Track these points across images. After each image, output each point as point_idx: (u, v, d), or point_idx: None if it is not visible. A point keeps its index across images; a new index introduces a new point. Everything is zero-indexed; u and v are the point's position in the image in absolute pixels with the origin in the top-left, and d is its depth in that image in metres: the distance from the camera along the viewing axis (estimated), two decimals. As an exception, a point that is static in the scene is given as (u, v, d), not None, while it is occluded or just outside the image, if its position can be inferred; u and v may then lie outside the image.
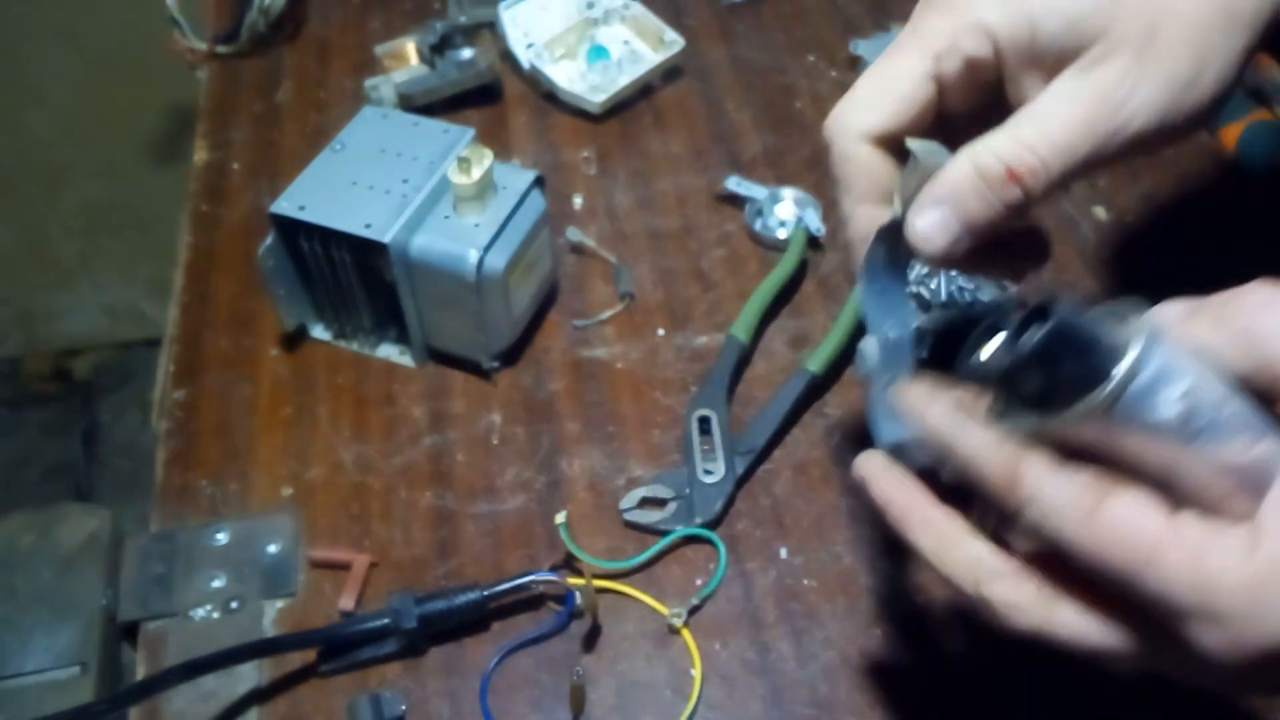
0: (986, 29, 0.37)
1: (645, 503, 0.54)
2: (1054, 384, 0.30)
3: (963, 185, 0.36)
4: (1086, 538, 0.30)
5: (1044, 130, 0.36)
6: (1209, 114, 0.38)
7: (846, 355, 0.60)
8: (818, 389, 0.58)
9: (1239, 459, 0.29)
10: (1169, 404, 0.29)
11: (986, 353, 0.33)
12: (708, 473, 0.55)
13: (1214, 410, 0.29)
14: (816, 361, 0.58)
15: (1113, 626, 0.31)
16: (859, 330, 0.60)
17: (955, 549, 0.35)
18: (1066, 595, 0.32)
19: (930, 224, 0.37)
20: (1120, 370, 0.28)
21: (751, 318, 0.60)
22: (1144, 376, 0.29)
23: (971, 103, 0.39)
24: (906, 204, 0.38)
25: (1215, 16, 0.36)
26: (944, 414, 0.34)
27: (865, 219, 0.40)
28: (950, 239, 0.37)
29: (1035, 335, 0.29)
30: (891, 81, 0.39)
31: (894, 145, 0.39)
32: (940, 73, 0.38)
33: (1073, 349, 0.29)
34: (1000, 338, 0.32)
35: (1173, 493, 0.30)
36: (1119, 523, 0.29)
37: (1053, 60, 0.37)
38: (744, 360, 0.60)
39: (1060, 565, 0.32)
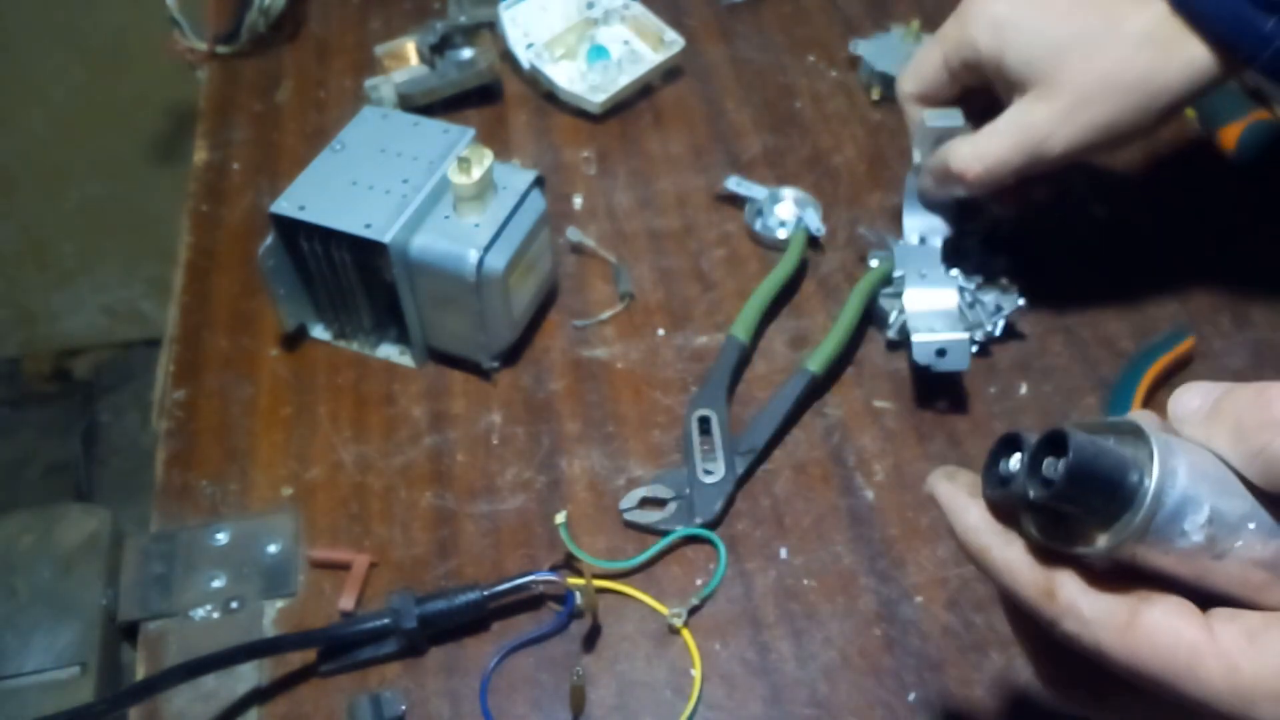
0: (973, 44, 0.55)
1: (645, 503, 0.54)
2: (1076, 518, 0.30)
3: (939, 168, 0.58)
4: (1124, 649, 0.30)
5: (989, 146, 0.55)
6: (1132, 142, 0.55)
7: (846, 355, 0.60)
8: (818, 389, 0.58)
9: (1267, 554, 0.29)
10: (1193, 531, 0.29)
11: (1007, 468, 0.32)
12: (708, 473, 0.55)
13: (1238, 528, 0.29)
14: (816, 361, 0.58)
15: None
16: (859, 331, 0.60)
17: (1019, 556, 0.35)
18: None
19: (925, 186, 0.61)
20: (1141, 510, 0.29)
21: (751, 318, 0.60)
22: (1164, 512, 0.29)
23: (979, 82, 0.58)
24: (920, 153, 0.61)
25: (1139, 89, 0.51)
26: (984, 518, 0.34)
27: (914, 114, 0.62)
28: (933, 195, 0.62)
29: (1055, 470, 0.29)
30: (919, 64, 0.60)
31: (930, 99, 0.60)
32: (948, 65, 0.58)
33: (1092, 485, 0.29)
34: (1017, 458, 0.32)
35: (1205, 591, 0.30)
36: (1155, 633, 0.30)
37: (1013, 81, 0.54)
38: (744, 360, 0.60)
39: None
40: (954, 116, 0.58)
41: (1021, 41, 0.53)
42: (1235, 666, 0.28)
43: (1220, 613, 0.30)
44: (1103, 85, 0.51)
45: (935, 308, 0.58)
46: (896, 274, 0.60)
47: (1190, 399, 0.32)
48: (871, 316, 0.61)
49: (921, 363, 0.56)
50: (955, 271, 0.60)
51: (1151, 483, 0.29)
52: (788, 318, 0.63)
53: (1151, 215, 0.68)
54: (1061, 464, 0.29)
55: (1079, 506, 0.30)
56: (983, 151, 0.54)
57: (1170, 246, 0.66)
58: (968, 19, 0.55)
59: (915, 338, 0.56)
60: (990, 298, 0.60)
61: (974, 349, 0.59)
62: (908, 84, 0.60)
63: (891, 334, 0.60)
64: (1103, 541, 0.29)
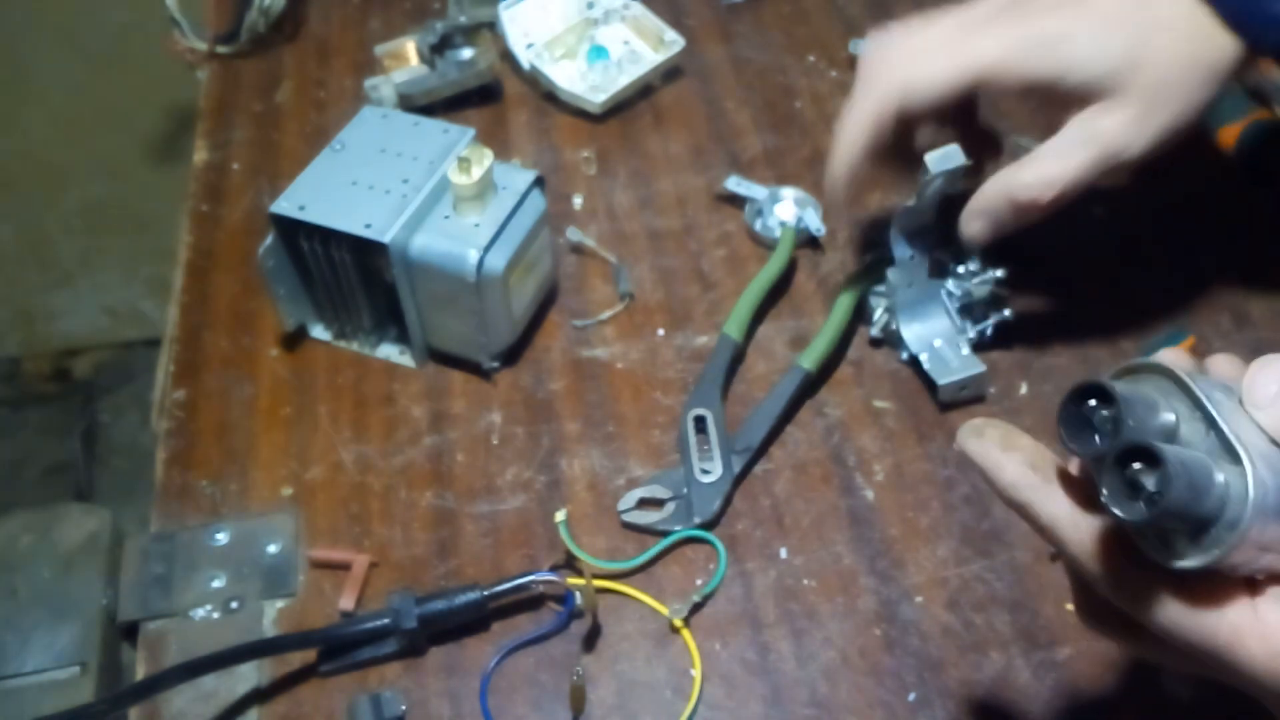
0: (1018, 68, 0.51)
1: (643, 503, 0.54)
2: (1179, 528, 0.30)
3: (999, 205, 0.52)
4: (1165, 619, 0.31)
5: (1061, 168, 0.50)
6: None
7: (839, 352, 0.60)
8: (812, 386, 0.59)
9: None
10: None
11: (1092, 441, 0.32)
12: (705, 472, 0.55)
13: None
14: (810, 359, 0.58)
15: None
16: (851, 328, 0.60)
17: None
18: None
19: (976, 230, 0.54)
20: (1236, 529, 0.29)
21: (743, 316, 0.60)
22: (1254, 527, 0.29)
23: (945, 122, 0.56)
24: (920, 197, 0.55)
25: (1196, 82, 0.49)
26: (1021, 474, 0.34)
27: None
28: (987, 236, 0.54)
29: (1153, 487, 0.29)
30: (864, 125, 0.54)
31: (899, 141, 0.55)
32: (947, 95, 0.52)
33: (1185, 509, 0.29)
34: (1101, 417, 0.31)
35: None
36: (1197, 607, 0.31)
37: (1072, 97, 0.50)
38: (737, 358, 0.60)
39: None
40: (955, 155, 0.54)
41: (1081, 55, 0.49)
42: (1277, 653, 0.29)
43: (1273, 592, 0.31)
44: (1168, 84, 0.49)
45: (936, 334, 0.58)
46: (886, 287, 0.60)
47: (1269, 383, 0.31)
48: (861, 313, 0.61)
49: (946, 402, 0.58)
50: (949, 283, 0.60)
51: (1248, 509, 0.29)
52: (788, 317, 0.63)
53: (1151, 215, 0.68)
54: (1155, 484, 0.29)
55: (1186, 515, 0.29)
56: (1055, 175, 0.50)
57: (1170, 246, 0.66)
58: (1005, 43, 0.50)
59: (939, 380, 0.57)
60: (978, 287, 0.59)
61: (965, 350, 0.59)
62: (848, 159, 0.53)
63: (875, 331, 0.60)
64: (1191, 558, 0.30)
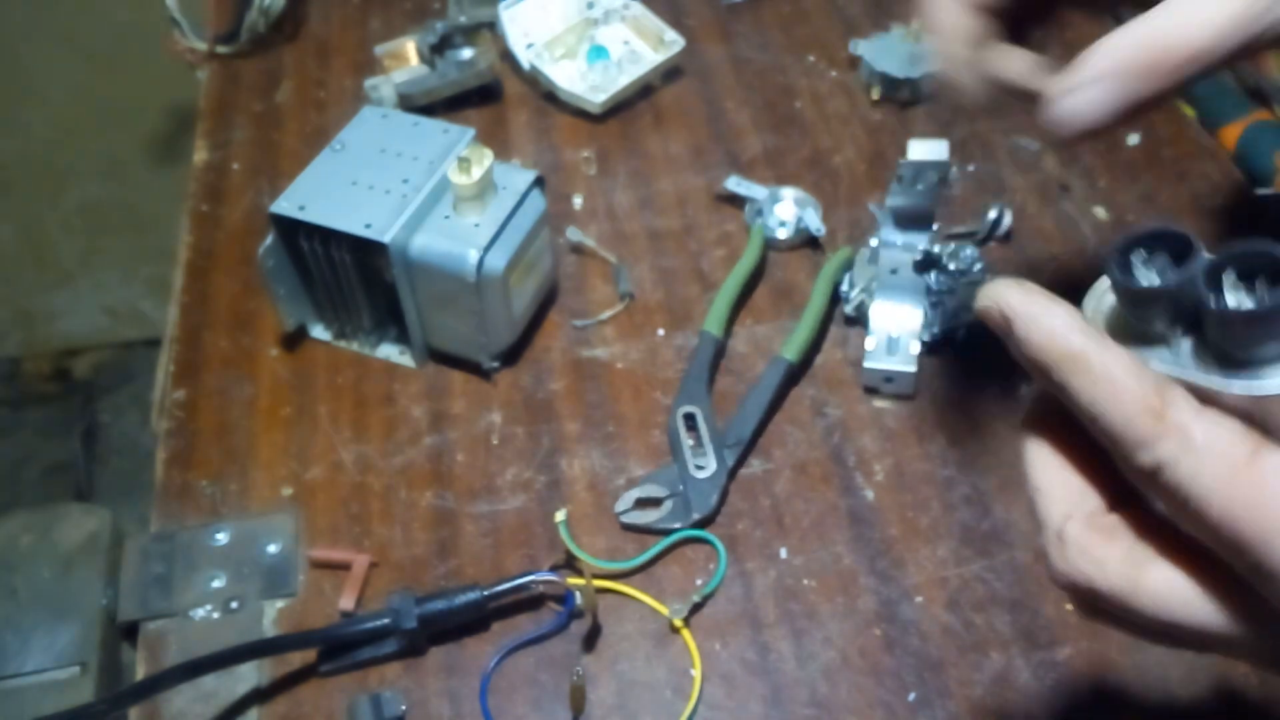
0: None
1: (641, 503, 0.54)
2: (1232, 340, 0.28)
3: (1131, 63, 0.34)
4: (1229, 496, 0.25)
5: (1192, 20, 0.34)
6: None
7: (820, 341, 0.61)
8: (795, 376, 0.59)
9: None
10: None
11: (1231, 298, 0.28)
12: (699, 468, 0.55)
13: None
14: (792, 349, 0.58)
15: (1215, 601, 0.27)
16: (828, 317, 0.62)
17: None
18: (1163, 557, 0.28)
19: (1087, 105, 0.35)
20: None
21: (722, 312, 0.61)
22: None
23: None
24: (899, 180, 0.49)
25: None
26: (1068, 326, 0.28)
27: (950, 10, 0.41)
28: (1107, 114, 0.35)
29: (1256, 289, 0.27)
30: None
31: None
32: None
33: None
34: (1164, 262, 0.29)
35: None
36: (1275, 482, 0.25)
37: None
38: (719, 354, 0.60)
39: (1160, 527, 0.29)
40: (940, 149, 0.52)
41: None
42: None
43: None
44: None
45: (899, 324, 0.58)
46: (864, 266, 0.61)
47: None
48: (836, 298, 0.62)
49: (868, 385, 0.59)
50: (933, 276, 0.60)
51: None
52: (789, 317, 0.63)
53: (1152, 215, 0.68)
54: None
55: (1249, 335, 0.27)
56: (1195, 28, 0.34)
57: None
58: None
59: (865, 363, 0.58)
60: (965, 287, 0.60)
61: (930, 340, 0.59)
62: None
63: (849, 310, 0.61)
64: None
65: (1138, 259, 0.29)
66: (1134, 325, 0.31)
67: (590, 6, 0.78)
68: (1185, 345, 0.30)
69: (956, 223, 0.66)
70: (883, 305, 0.59)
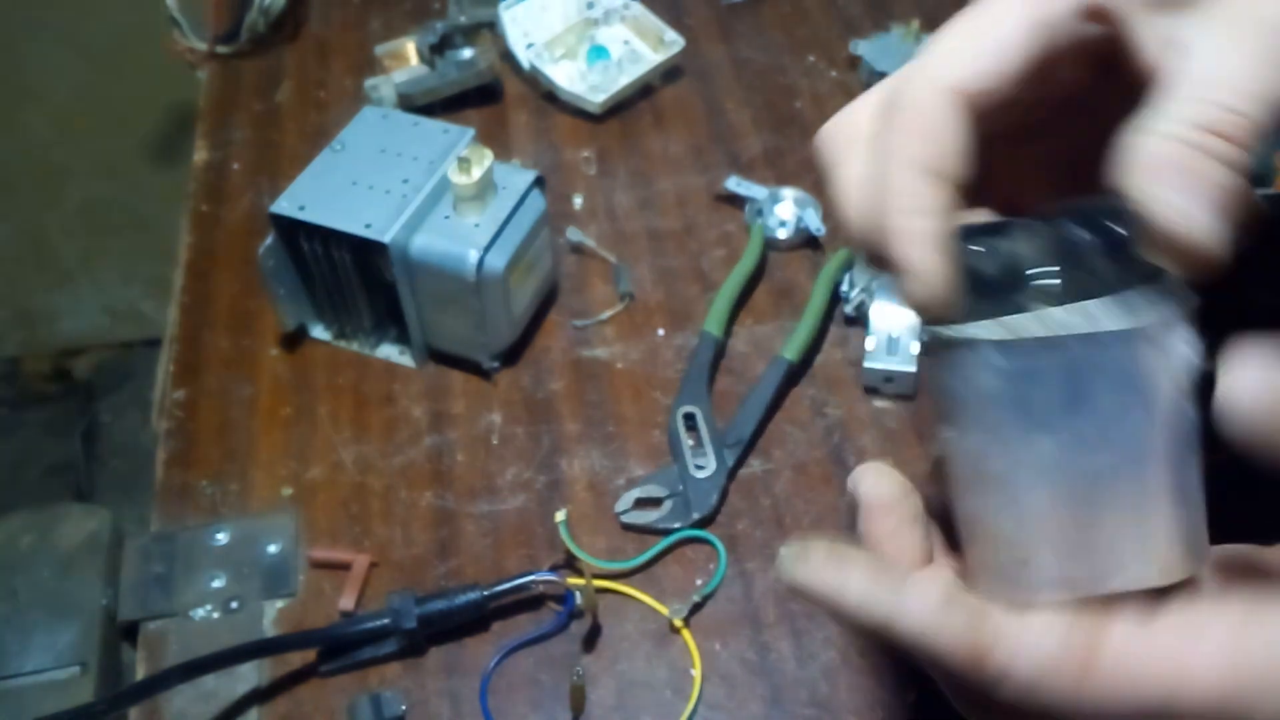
0: None
1: (641, 503, 0.54)
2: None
3: (1186, 164, 0.25)
4: (1085, 702, 0.26)
5: (1228, 79, 0.26)
6: None
7: (820, 341, 0.61)
8: (795, 376, 0.59)
9: None
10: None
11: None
12: (699, 468, 0.55)
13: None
14: (792, 349, 0.59)
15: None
16: (828, 317, 0.61)
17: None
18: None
19: (1197, 225, 0.25)
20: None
21: (722, 312, 0.61)
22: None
23: (1077, 78, 0.30)
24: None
25: None
26: (868, 591, 0.28)
27: (932, 196, 0.28)
28: (1216, 236, 0.26)
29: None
30: (987, 27, 0.29)
31: (974, 115, 0.29)
32: (1048, 22, 0.28)
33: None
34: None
35: None
36: (1119, 676, 0.25)
37: None
38: (719, 354, 0.60)
39: None
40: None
41: None
42: (1239, 687, 0.24)
43: (1177, 624, 0.26)
44: None
45: (899, 324, 0.58)
46: (864, 266, 0.61)
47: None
48: (836, 298, 0.62)
49: (868, 385, 0.59)
50: None
51: None
52: (789, 317, 0.63)
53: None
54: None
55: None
56: (1225, 94, 0.25)
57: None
58: None
59: (865, 363, 0.58)
60: None
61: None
62: (950, 67, 0.28)
63: (849, 310, 0.61)
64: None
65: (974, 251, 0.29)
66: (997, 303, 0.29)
67: (590, 6, 0.78)
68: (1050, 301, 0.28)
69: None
70: (883, 305, 0.59)
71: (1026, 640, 0.26)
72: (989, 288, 0.28)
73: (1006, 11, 0.29)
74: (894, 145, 0.28)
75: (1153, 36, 0.28)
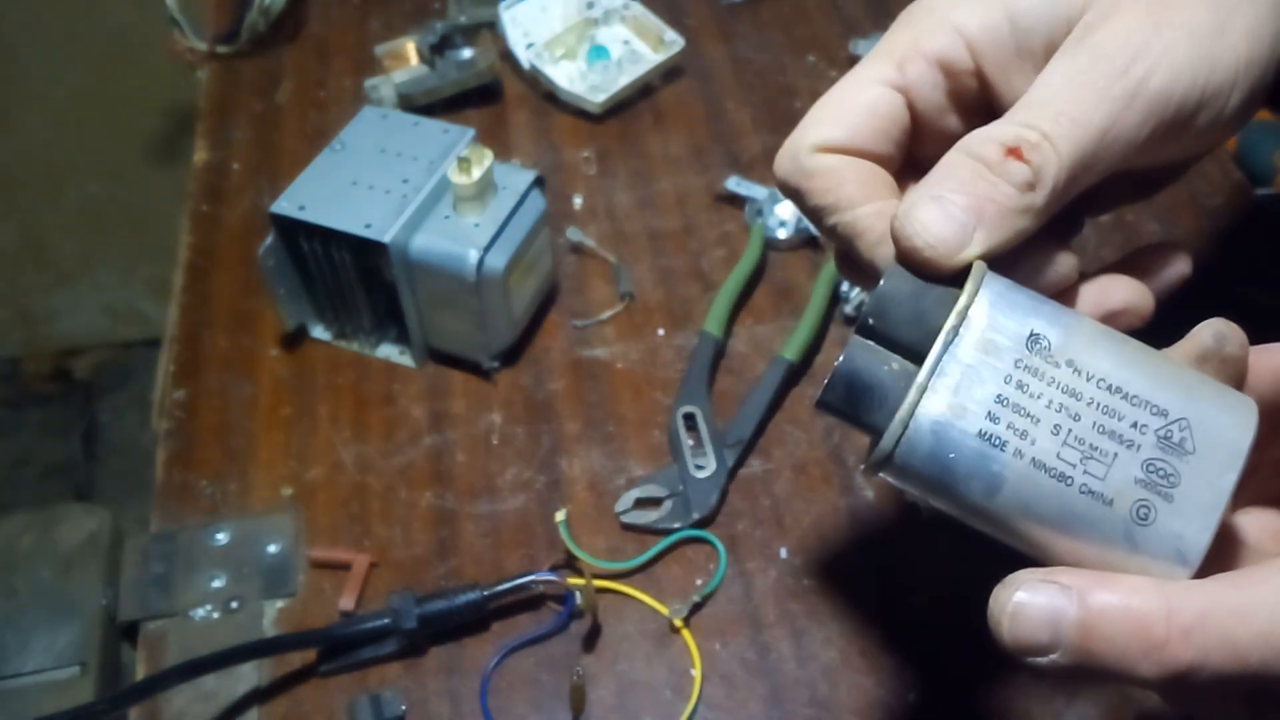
0: (956, 26, 0.34)
1: (641, 503, 0.54)
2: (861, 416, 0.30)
3: (960, 173, 0.30)
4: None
5: (1045, 103, 0.30)
6: (1256, 80, 0.31)
7: (820, 341, 0.61)
8: (795, 376, 0.59)
9: None
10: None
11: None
12: (699, 468, 0.55)
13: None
14: (792, 349, 0.59)
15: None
16: (828, 317, 0.61)
17: None
18: None
19: (932, 219, 0.30)
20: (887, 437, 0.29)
21: (722, 312, 0.61)
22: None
23: (959, 120, 0.35)
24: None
25: None
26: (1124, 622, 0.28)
27: (876, 216, 0.33)
28: (958, 230, 0.30)
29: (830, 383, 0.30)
30: (848, 94, 0.36)
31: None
32: (905, 80, 0.34)
33: (862, 400, 0.30)
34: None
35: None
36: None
37: (1041, 49, 0.32)
38: (719, 354, 0.60)
39: None
40: None
41: None
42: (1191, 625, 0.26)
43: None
44: None
45: None
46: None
47: None
48: (836, 298, 0.62)
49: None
50: None
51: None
52: (789, 317, 0.63)
53: (1152, 216, 0.68)
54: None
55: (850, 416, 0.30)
56: (1033, 116, 0.30)
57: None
58: (930, 6, 0.36)
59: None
60: None
61: None
62: (813, 132, 0.36)
63: (849, 309, 0.62)
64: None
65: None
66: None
67: (590, 6, 0.78)
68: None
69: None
70: None
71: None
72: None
73: (870, 75, 0.36)
74: (812, 204, 0.36)
75: (1014, 86, 0.33)
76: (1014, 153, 0.30)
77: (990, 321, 0.28)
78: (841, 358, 0.29)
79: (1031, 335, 0.28)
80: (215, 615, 0.51)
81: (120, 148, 1.41)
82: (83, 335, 1.65)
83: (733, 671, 0.49)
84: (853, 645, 0.50)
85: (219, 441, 0.58)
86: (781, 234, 0.66)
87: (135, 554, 0.53)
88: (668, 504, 0.54)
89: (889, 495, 0.55)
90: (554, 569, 0.51)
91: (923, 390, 0.28)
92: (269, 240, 0.55)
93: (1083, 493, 0.27)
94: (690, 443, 0.56)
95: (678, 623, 0.50)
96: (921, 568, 0.52)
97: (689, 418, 0.57)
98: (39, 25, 1.30)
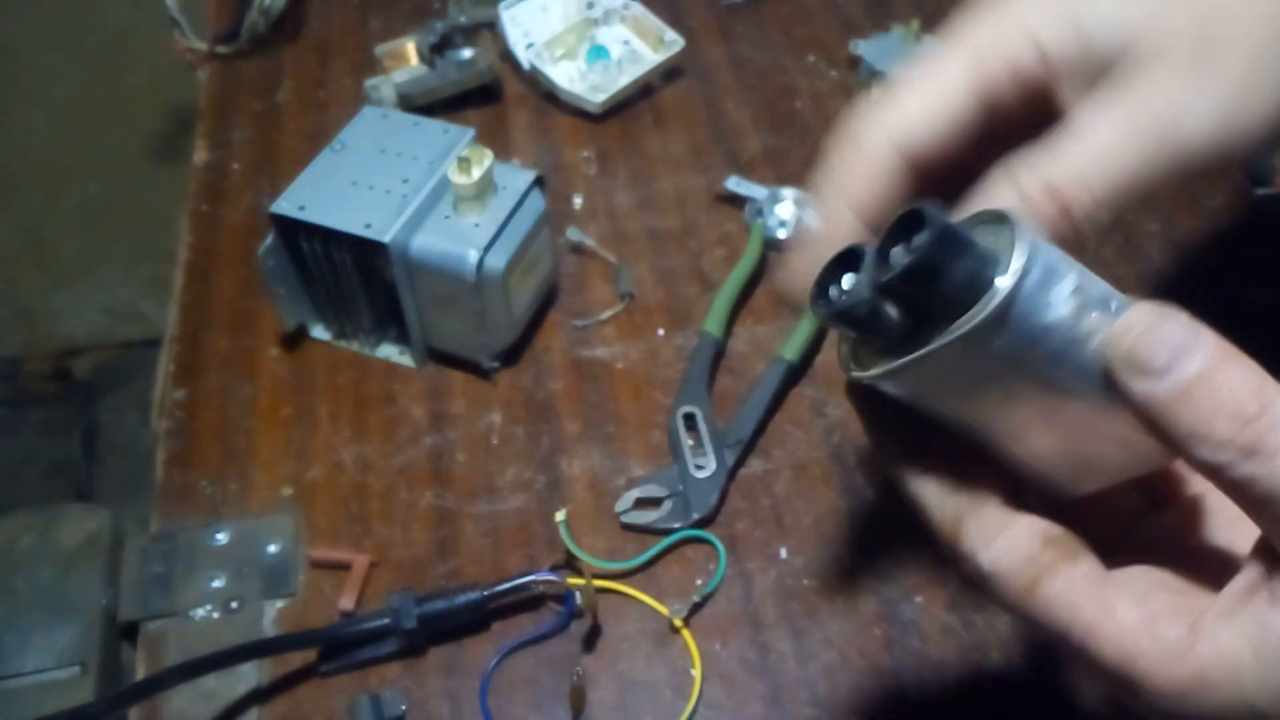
0: (1031, 31, 0.33)
1: (641, 503, 0.54)
2: (935, 302, 0.27)
3: (1001, 200, 0.31)
4: (1021, 611, 0.29)
5: (1089, 150, 0.31)
6: (1264, 137, 0.33)
7: (820, 341, 0.61)
8: (795, 376, 0.59)
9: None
10: (1061, 301, 0.26)
11: (847, 282, 0.28)
12: (699, 468, 0.55)
13: (1103, 302, 0.27)
14: (792, 349, 0.59)
15: None
16: None
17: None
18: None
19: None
20: (1012, 269, 0.26)
21: (722, 312, 0.61)
22: (1035, 274, 0.26)
23: (1017, 126, 0.34)
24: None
25: (1271, 29, 0.32)
26: (891, 445, 0.32)
27: (844, 225, 0.35)
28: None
29: (920, 243, 0.26)
30: (936, 93, 0.34)
31: (914, 171, 0.34)
32: (988, 85, 0.33)
33: (958, 256, 0.26)
34: (857, 274, 0.28)
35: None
36: (1054, 603, 0.29)
37: (1097, 66, 0.33)
38: (719, 354, 0.60)
39: None
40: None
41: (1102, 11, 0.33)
42: (1130, 656, 0.28)
43: (1119, 592, 0.29)
44: (1233, 24, 0.32)
45: None
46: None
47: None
48: None
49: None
50: None
51: (1024, 241, 0.26)
52: (789, 317, 0.63)
53: (1151, 215, 0.68)
54: (928, 233, 0.25)
55: (945, 280, 0.26)
56: (1083, 166, 0.31)
57: (1171, 247, 0.66)
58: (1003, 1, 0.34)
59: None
60: None
61: None
62: (903, 124, 0.34)
63: None
64: (977, 314, 0.26)
65: (835, 289, 0.29)
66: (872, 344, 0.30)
67: (590, 6, 0.78)
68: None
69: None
70: None
71: (994, 544, 0.30)
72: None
73: (955, 74, 0.33)
74: (838, 176, 0.36)
75: (1071, 98, 0.33)
76: (1053, 195, 0.31)
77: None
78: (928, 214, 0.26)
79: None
80: (215, 615, 0.51)
81: (120, 148, 1.41)
82: (83, 335, 1.65)
83: (733, 671, 0.49)
84: (853, 645, 0.50)
85: (219, 441, 0.58)
86: (781, 234, 0.66)
87: (135, 554, 0.53)
88: (668, 504, 0.54)
89: (889, 495, 0.55)
90: (554, 569, 0.51)
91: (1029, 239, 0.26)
92: (269, 240, 0.55)
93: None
94: (690, 443, 0.56)
95: (678, 623, 0.50)
96: (921, 568, 0.52)
97: (689, 418, 0.57)
98: (39, 25, 1.30)
